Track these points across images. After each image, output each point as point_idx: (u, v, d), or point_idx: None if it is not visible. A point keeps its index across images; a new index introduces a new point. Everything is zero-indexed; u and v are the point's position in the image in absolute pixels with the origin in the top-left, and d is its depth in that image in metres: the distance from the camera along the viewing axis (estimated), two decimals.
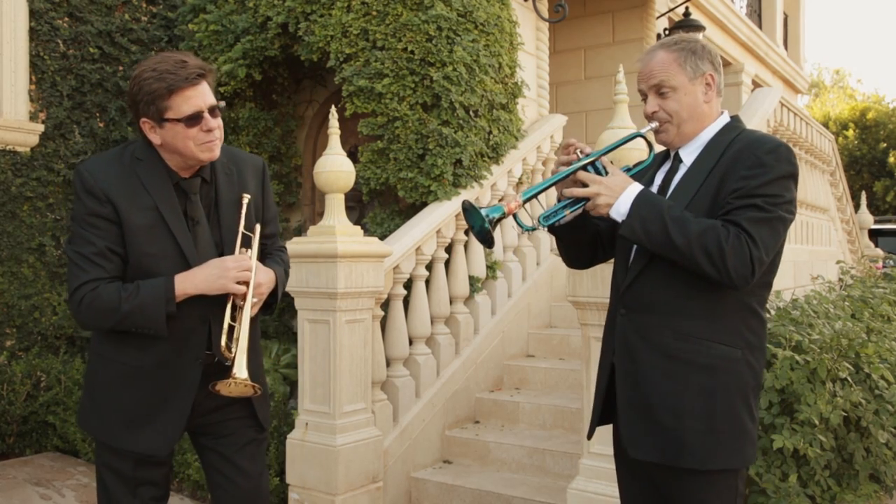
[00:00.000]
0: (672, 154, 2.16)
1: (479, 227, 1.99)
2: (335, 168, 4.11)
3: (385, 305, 4.50)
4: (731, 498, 2.00)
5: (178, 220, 2.14)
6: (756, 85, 11.51)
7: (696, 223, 1.89)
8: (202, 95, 2.10)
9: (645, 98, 2.12)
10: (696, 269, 1.90)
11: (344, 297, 3.94)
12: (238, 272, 2.11)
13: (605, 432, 2.29)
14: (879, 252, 9.55)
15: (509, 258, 5.47)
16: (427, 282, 4.77)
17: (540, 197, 2.52)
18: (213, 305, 2.15)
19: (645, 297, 2.04)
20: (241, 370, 2.08)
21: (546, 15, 6.70)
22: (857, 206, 9.33)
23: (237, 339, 2.11)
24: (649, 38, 8.72)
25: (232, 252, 2.20)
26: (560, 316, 5.67)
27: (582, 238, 2.25)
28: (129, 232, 2.08)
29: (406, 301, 4.66)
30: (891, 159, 22.95)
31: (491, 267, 5.26)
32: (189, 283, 2.08)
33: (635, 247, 2.09)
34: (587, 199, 2.02)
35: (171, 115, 2.07)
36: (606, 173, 2.03)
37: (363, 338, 4.09)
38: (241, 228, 2.23)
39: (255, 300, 2.16)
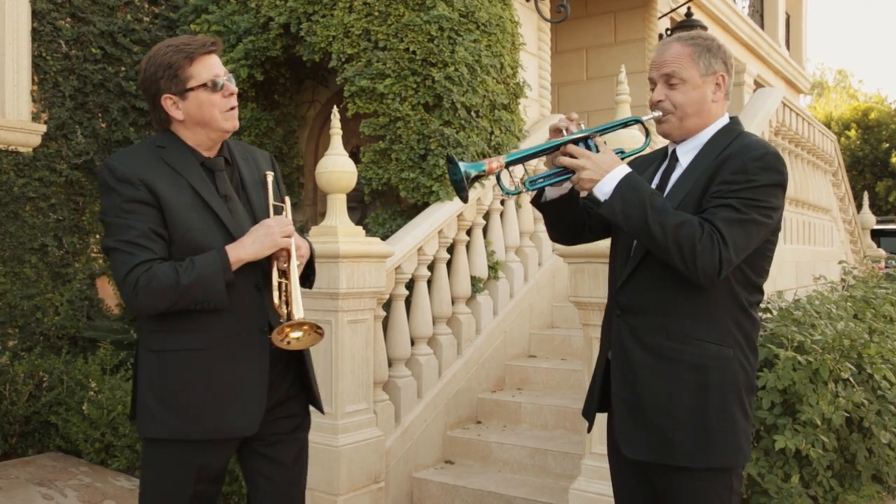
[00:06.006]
0: (669, 152, 2.17)
1: (457, 179, 2.00)
2: (337, 168, 4.11)
3: (387, 306, 4.50)
4: (727, 496, 2.01)
5: (213, 195, 2.17)
6: (758, 85, 11.50)
7: (675, 215, 1.91)
8: (218, 64, 2.19)
9: (654, 87, 2.12)
10: (667, 259, 1.92)
11: (346, 297, 3.95)
12: (280, 227, 2.14)
13: (605, 432, 2.29)
14: (882, 252, 9.54)
15: (511, 258, 5.47)
16: (429, 282, 4.77)
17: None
18: (265, 274, 2.18)
19: (638, 297, 2.06)
20: (299, 311, 2.09)
21: (548, 15, 6.70)
22: (859, 207, 9.32)
23: (289, 295, 2.12)
24: (651, 38, 8.72)
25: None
26: (562, 316, 5.66)
27: (568, 217, 2.26)
28: (171, 211, 2.09)
29: (408, 301, 4.66)
30: (893, 160, 22.92)
31: (493, 267, 5.26)
32: (241, 250, 2.10)
33: (633, 248, 2.10)
34: (573, 172, 2.02)
35: (193, 82, 2.13)
36: (598, 151, 2.03)
37: (365, 338, 4.09)
38: (271, 201, 2.29)
39: (297, 262, 2.18)
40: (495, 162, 2.01)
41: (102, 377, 4.92)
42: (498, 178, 2.13)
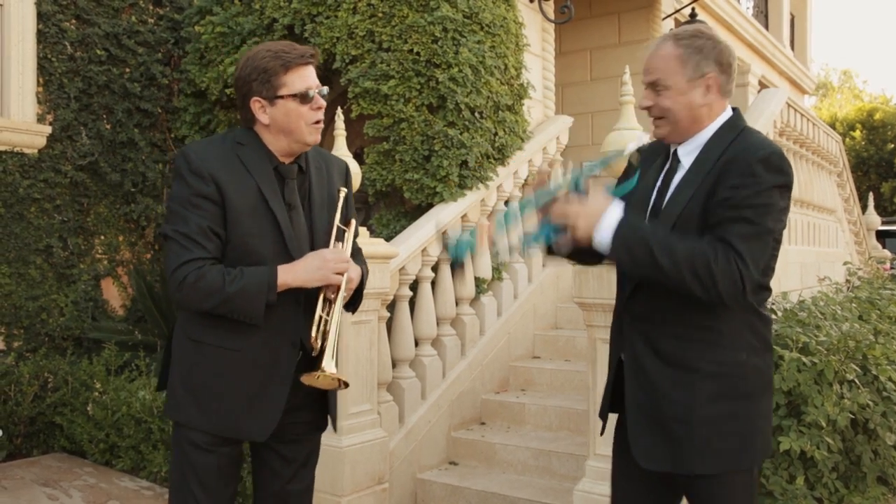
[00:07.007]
0: (671, 152, 2.12)
1: (452, 261, 1.99)
2: None
3: (391, 307, 4.50)
4: (747, 495, 2.01)
5: (278, 202, 2.18)
6: (762, 86, 11.48)
7: (683, 246, 1.85)
8: (313, 76, 2.20)
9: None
10: (685, 291, 1.87)
11: None
12: (336, 264, 2.13)
13: (610, 433, 2.29)
14: (887, 253, 9.52)
15: (515, 259, 5.46)
16: (433, 283, 4.77)
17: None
18: (307, 291, 2.19)
19: (648, 305, 2.03)
20: (329, 364, 2.10)
21: (552, 16, 6.69)
22: (864, 208, 9.30)
23: (326, 333, 2.13)
24: (655, 39, 8.69)
25: (323, 242, 2.24)
26: (566, 317, 5.66)
27: (587, 254, 2.16)
28: (232, 212, 2.11)
29: (412, 302, 4.66)
30: None
31: (497, 268, 5.26)
32: (291, 275, 2.11)
33: None
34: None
35: (285, 91, 2.15)
36: (586, 195, 1.95)
37: (369, 339, 4.09)
38: (337, 222, 2.28)
39: (343, 294, 2.18)
40: (485, 234, 1.98)
41: (107, 378, 4.93)
42: (493, 245, 2.10)
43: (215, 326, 2.14)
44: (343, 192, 2.32)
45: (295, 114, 2.16)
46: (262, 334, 2.14)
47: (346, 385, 2.16)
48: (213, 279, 2.05)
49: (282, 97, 2.15)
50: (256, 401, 2.16)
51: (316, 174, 2.30)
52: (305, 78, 2.17)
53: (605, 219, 1.91)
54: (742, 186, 1.88)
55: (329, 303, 2.17)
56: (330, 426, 2.44)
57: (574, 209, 1.94)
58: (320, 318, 2.16)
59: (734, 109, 2.08)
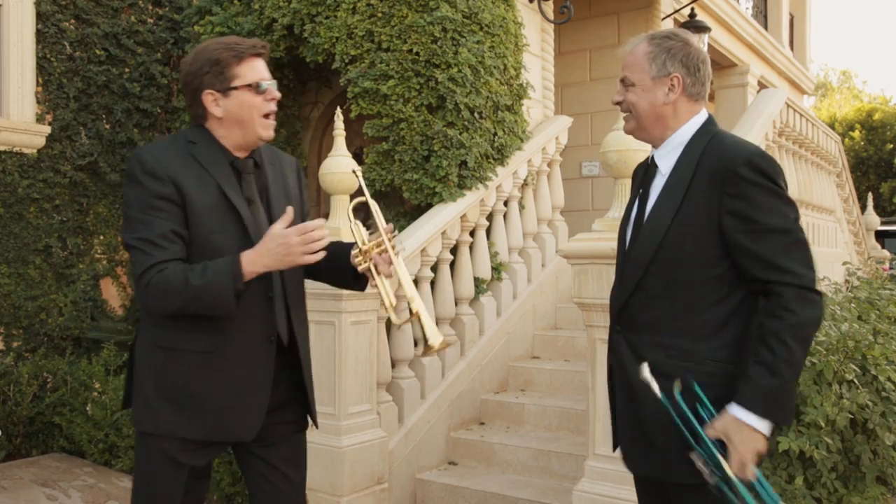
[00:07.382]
0: (650, 157, 2.11)
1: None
2: (340, 170, 4.11)
3: None
4: None
5: (238, 197, 2.15)
6: (762, 86, 11.48)
7: (779, 344, 1.82)
8: (265, 68, 2.19)
9: None
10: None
11: (349, 298, 3.95)
12: (303, 245, 2.03)
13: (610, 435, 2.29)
14: (886, 254, 9.52)
15: (514, 259, 5.46)
16: (432, 283, 4.77)
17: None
18: (275, 283, 2.17)
19: (637, 316, 2.02)
20: (434, 338, 2.09)
21: (551, 16, 6.69)
22: (863, 208, 9.30)
23: (419, 314, 2.11)
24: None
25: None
26: (565, 317, 5.66)
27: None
28: (195, 212, 2.07)
29: None
30: None
31: (496, 268, 5.26)
32: (258, 262, 2.03)
33: (624, 273, 2.07)
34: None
35: (238, 82, 2.13)
36: (722, 445, 1.85)
37: (368, 339, 4.09)
38: (383, 231, 2.23)
39: (388, 258, 2.18)
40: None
41: (106, 378, 4.93)
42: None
43: (184, 330, 2.10)
44: (359, 170, 2.34)
45: (248, 104, 2.13)
46: (233, 333, 2.11)
47: (449, 342, 2.16)
48: (175, 278, 2.00)
49: (235, 88, 2.12)
50: (239, 400, 2.13)
51: (270, 168, 2.29)
52: (258, 69, 2.16)
53: (748, 424, 1.84)
54: (740, 197, 1.87)
55: (381, 264, 2.17)
56: (324, 424, 2.42)
57: (737, 455, 1.84)
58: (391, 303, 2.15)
59: (709, 114, 2.08)
